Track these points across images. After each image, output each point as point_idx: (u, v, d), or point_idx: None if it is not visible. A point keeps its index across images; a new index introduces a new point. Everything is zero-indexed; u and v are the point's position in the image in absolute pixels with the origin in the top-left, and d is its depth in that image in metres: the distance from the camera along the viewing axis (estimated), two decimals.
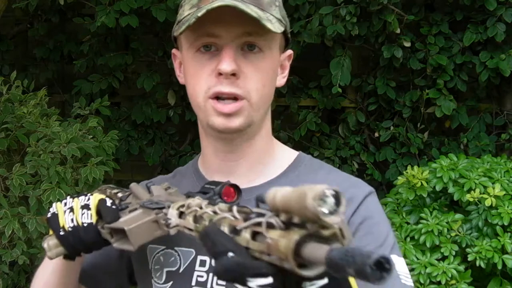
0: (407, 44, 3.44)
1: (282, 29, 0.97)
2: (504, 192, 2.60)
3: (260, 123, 1.02)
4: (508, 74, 3.31)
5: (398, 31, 3.39)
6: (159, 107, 3.93)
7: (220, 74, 0.94)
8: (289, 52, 1.07)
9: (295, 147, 1.27)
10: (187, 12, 0.96)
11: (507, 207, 2.58)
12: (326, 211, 0.50)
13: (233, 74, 0.94)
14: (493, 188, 2.59)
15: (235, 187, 0.90)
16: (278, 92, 3.78)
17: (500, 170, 2.75)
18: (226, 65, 0.93)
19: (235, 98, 0.95)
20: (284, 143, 1.14)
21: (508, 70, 3.30)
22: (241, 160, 1.03)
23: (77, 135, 2.92)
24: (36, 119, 2.98)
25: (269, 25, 0.92)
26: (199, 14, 0.91)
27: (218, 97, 0.96)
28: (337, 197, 0.51)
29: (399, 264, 0.94)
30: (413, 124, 3.62)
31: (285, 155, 1.07)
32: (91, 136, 3.02)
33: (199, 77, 0.97)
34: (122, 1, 3.41)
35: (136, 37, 3.88)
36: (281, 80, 1.06)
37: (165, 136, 4.05)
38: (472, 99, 3.63)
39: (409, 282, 0.94)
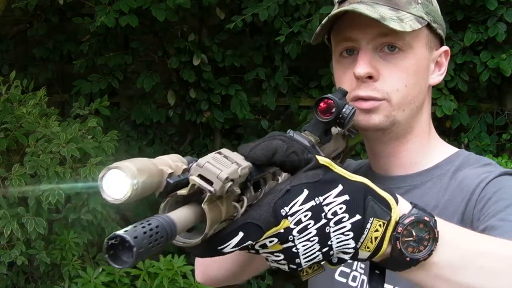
0: None
1: (417, 26, 0.94)
2: None
3: (410, 123, 1.00)
4: (509, 74, 3.30)
5: None
6: (159, 107, 3.92)
7: (357, 77, 0.95)
8: (444, 48, 1.07)
9: None
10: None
11: None
12: None
13: (370, 77, 0.95)
14: None
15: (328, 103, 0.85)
16: (279, 92, 3.76)
17: None
18: (360, 68, 0.94)
19: (373, 100, 0.96)
20: None
21: (509, 70, 3.29)
22: (392, 158, 1.03)
23: (77, 135, 2.91)
24: (35, 119, 2.97)
25: (392, 25, 0.91)
26: (323, 22, 0.95)
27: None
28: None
29: None
30: None
31: (442, 151, 1.05)
32: (91, 136, 3.01)
33: (343, 81, 0.99)
34: (121, 0, 3.40)
35: (135, 37, 3.87)
36: (436, 78, 1.06)
37: (165, 136, 4.04)
38: (473, 99, 3.62)
39: None
